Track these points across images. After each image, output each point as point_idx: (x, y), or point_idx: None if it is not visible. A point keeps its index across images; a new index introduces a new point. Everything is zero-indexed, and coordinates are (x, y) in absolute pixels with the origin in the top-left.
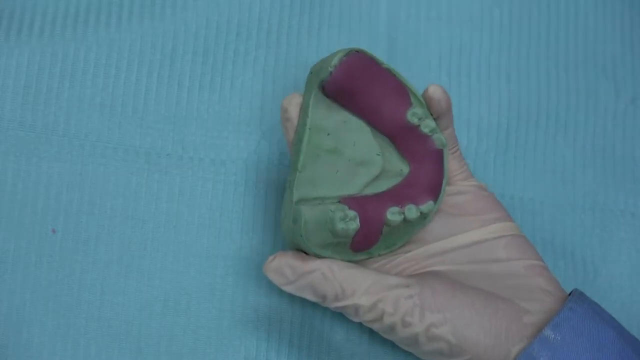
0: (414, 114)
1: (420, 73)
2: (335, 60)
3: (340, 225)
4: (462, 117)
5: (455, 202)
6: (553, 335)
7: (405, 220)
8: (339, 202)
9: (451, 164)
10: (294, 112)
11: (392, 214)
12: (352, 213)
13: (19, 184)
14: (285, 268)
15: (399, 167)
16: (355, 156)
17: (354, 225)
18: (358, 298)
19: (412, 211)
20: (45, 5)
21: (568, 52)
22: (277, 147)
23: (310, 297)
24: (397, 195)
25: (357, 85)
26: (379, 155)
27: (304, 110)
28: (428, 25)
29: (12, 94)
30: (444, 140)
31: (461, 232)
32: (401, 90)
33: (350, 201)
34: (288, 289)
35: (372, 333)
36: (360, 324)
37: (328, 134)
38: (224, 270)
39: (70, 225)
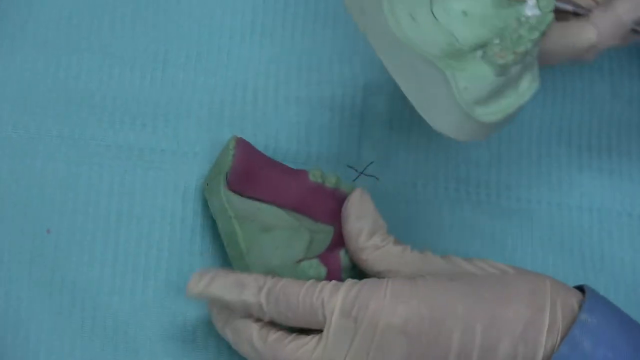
0: (314, 175)
1: None
2: (232, 144)
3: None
4: None
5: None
6: (590, 319)
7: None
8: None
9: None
10: (215, 290)
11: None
12: (315, 262)
13: (13, 185)
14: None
15: (318, 228)
16: (282, 231)
17: (323, 271)
18: None
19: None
20: (38, 10)
21: None
22: (274, 139)
23: None
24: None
25: (257, 166)
26: (298, 222)
27: (220, 210)
28: None
29: (5, 97)
30: (349, 189)
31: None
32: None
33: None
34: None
35: None
36: None
37: (252, 220)
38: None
39: (65, 225)
